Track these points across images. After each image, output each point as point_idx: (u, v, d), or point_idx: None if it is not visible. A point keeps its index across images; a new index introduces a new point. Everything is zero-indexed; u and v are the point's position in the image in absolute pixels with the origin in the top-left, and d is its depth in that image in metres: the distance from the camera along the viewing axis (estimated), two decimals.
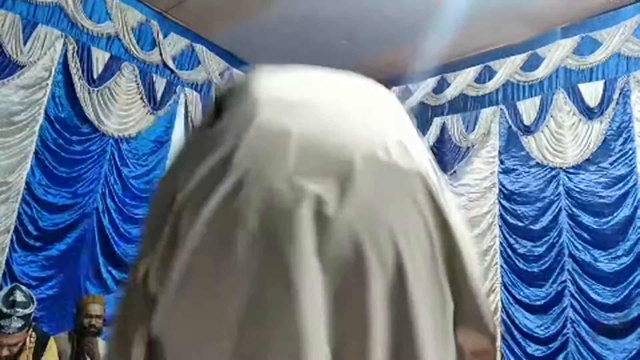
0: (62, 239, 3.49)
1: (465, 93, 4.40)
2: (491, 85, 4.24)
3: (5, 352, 2.24)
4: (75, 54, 3.62)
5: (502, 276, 3.87)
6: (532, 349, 3.57)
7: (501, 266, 3.87)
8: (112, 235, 3.74)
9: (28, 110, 3.37)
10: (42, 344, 2.43)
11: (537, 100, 3.97)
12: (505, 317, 3.77)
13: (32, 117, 3.39)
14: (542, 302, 3.61)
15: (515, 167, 3.99)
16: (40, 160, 3.43)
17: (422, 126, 4.59)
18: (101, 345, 3.14)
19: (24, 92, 3.36)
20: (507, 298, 3.81)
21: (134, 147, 3.99)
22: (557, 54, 3.91)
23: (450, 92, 4.44)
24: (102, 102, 3.82)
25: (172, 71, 4.27)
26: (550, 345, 3.49)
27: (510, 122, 4.09)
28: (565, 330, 3.47)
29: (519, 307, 3.73)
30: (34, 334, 2.41)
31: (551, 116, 3.85)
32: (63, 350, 2.64)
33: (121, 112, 3.93)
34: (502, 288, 3.84)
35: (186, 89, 4.38)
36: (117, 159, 3.88)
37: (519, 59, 4.13)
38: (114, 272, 3.69)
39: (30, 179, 3.36)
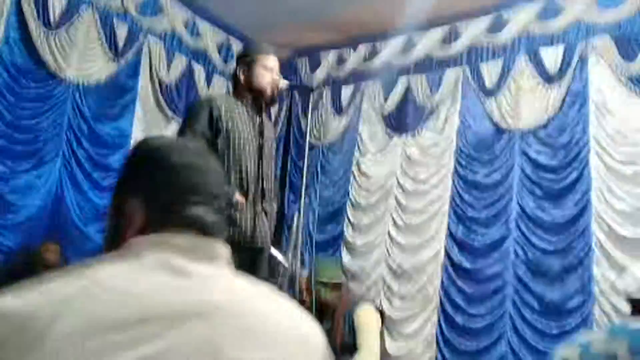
0: (24, 183, 3.35)
1: (431, 54, 4.35)
2: (456, 46, 4.20)
3: None
4: None
5: (448, 223, 4.00)
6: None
7: (449, 214, 4.00)
8: (76, 182, 3.61)
9: None
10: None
11: (499, 62, 3.98)
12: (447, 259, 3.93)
13: None
14: (487, 243, 3.76)
15: (474, 128, 4.03)
16: None
17: (388, 86, 4.55)
18: None
19: None
20: (452, 243, 3.95)
21: (96, 94, 3.80)
22: (521, 18, 3.90)
23: (416, 53, 4.39)
24: (60, 47, 3.60)
25: (133, 18, 4.04)
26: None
27: (473, 84, 4.09)
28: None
29: (463, 250, 3.88)
30: None
31: (512, 79, 3.87)
32: None
33: (81, 58, 3.72)
34: (448, 233, 3.98)
35: (150, 37, 4.17)
36: (80, 105, 3.70)
37: (484, 21, 4.09)
38: (76, 220, 3.59)
39: None
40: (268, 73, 2.22)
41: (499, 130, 3.91)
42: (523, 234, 3.62)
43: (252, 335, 0.61)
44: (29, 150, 3.44)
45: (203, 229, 0.68)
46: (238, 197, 2.09)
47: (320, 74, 4.93)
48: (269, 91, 2.22)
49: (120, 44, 3.96)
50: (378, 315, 2.82)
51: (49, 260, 3.07)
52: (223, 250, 0.68)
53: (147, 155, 0.74)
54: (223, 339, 0.59)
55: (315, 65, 5.02)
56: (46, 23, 3.50)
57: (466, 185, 3.98)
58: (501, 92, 3.92)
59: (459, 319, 3.79)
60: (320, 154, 4.76)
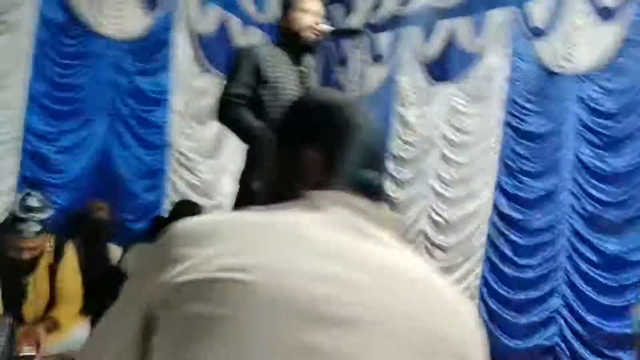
0: (71, 143, 3.37)
1: None
2: None
3: (26, 255, 2.22)
4: None
5: (497, 175, 3.89)
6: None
7: (499, 166, 3.88)
8: (124, 141, 3.61)
9: (20, 9, 3.09)
10: (60, 248, 2.41)
11: (550, 0, 3.73)
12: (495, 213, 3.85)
13: (23, 16, 3.12)
14: (540, 195, 3.64)
15: (525, 73, 3.84)
16: (38, 62, 3.20)
17: (427, 31, 4.34)
18: (113, 249, 3.16)
19: None
20: (500, 195, 3.85)
21: (133, 49, 3.74)
22: None
23: None
24: (94, 1, 3.52)
25: None
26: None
27: (521, 25, 3.86)
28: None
29: (513, 202, 3.78)
30: (51, 238, 2.37)
31: (566, 18, 3.63)
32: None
33: (116, 12, 3.63)
34: (497, 185, 3.88)
35: None
36: (118, 61, 3.65)
37: None
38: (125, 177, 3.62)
39: (31, 84, 3.15)
40: (307, 16, 2.11)
41: (551, 75, 3.71)
42: (579, 185, 3.49)
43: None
44: (72, 108, 3.44)
45: (375, 193, 0.67)
46: None
47: (355, 20, 4.73)
48: (307, 35, 2.11)
49: None
50: None
51: (101, 219, 3.12)
52: (389, 214, 0.67)
53: (329, 109, 0.71)
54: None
55: (349, 11, 4.82)
56: None
57: (517, 135, 3.83)
58: (553, 32, 3.68)
59: (506, 270, 3.75)
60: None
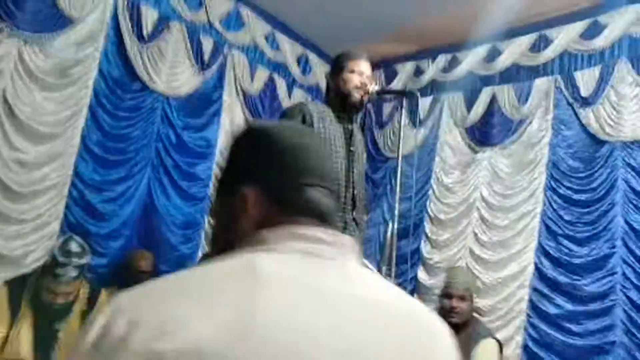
0: (116, 193, 3.46)
1: (518, 62, 4.14)
2: (547, 54, 3.97)
3: (60, 300, 2.23)
4: (125, 9, 3.52)
5: (539, 240, 3.77)
6: None
7: (540, 231, 3.77)
8: (165, 192, 3.71)
9: (82, 64, 3.30)
10: (94, 296, 2.41)
11: (596, 70, 3.70)
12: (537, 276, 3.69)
13: (85, 72, 3.33)
14: (587, 261, 3.50)
15: (569, 140, 3.76)
16: (94, 114, 3.38)
17: (471, 97, 4.37)
18: None
19: (77, 46, 3.28)
20: (543, 259, 3.71)
21: (183, 106, 3.91)
22: (620, 21, 3.62)
23: (502, 62, 4.19)
24: (151, 59, 3.73)
25: (218, 32, 4.14)
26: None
27: (566, 93, 3.83)
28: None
29: (557, 266, 3.64)
30: (86, 284, 2.39)
31: (612, 87, 3.59)
32: None
33: (170, 71, 3.84)
34: (539, 249, 3.75)
35: (233, 50, 4.26)
36: (169, 116, 3.81)
37: (578, 26, 3.84)
38: (164, 228, 3.67)
39: (85, 133, 3.31)
40: (356, 77, 2.18)
41: (597, 142, 3.62)
42: (631, 252, 3.30)
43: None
44: (121, 159, 3.56)
45: (321, 216, 0.62)
46: None
47: (396, 86, 4.83)
48: (356, 95, 2.16)
49: (206, 56, 4.05)
50: (498, 352, 2.45)
51: (144, 268, 3.13)
52: (347, 239, 0.62)
53: (258, 140, 0.67)
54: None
55: (391, 77, 4.93)
56: (139, 37, 3.63)
57: (561, 200, 3.70)
58: (599, 101, 3.63)
59: (553, 338, 3.50)
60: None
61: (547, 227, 3.75)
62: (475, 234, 4.11)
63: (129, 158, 3.57)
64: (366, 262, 2.29)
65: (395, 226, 2.14)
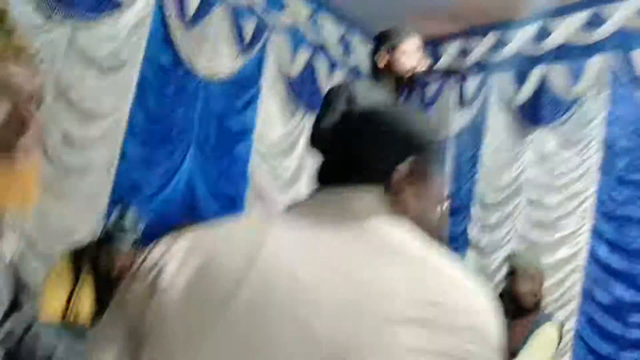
0: (160, 172, 3.63)
1: (571, 41, 4.04)
2: (601, 32, 3.86)
3: (117, 270, 2.36)
4: None
5: (594, 221, 3.73)
6: None
7: (596, 212, 3.74)
8: (206, 171, 3.88)
9: (130, 48, 3.45)
10: None
11: None
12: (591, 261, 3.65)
13: (133, 55, 3.48)
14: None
15: (625, 119, 3.67)
16: (140, 97, 3.53)
17: (520, 77, 4.31)
18: None
19: (124, 29, 3.43)
20: (598, 242, 3.67)
21: (224, 89, 4.02)
22: None
23: (552, 40, 4.10)
24: (194, 43, 3.84)
25: (260, 13, 4.22)
26: None
27: (622, 72, 3.73)
28: None
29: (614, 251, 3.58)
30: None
31: None
32: None
33: (212, 54, 3.94)
34: (594, 232, 3.72)
35: (274, 32, 4.33)
36: (209, 99, 3.93)
37: (635, 3, 3.71)
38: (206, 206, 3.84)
39: (132, 114, 3.48)
40: (411, 57, 2.19)
41: None
42: None
43: None
44: (164, 139, 3.71)
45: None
46: None
47: (441, 66, 4.79)
48: (409, 74, 2.18)
49: (248, 39, 4.14)
50: (557, 339, 2.43)
51: None
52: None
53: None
54: None
55: (435, 57, 4.89)
56: (183, 20, 3.75)
57: (617, 181, 3.64)
58: None
59: (608, 326, 3.45)
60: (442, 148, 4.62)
61: (602, 209, 3.70)
62: (524, 216, 4.08)
63: (172, 139, 3.72)
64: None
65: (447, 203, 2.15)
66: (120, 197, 3.40)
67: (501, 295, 2.48)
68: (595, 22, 3.91)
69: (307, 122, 4.38)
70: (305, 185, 4.21)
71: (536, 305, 2.45)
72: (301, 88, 4.48)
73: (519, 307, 2.41)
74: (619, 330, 3.43)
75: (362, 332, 0.52)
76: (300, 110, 4.45)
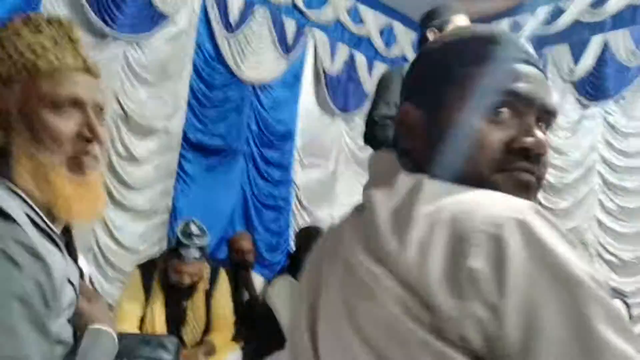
0: (215, 181, 3.72)
1: (632, 2, 3.81)
2: None
3: (187, 280, 2.44)
4: (214, 1, 3.71)
5: None
6: None
7: None
8: (254, 177, 3.96)
9: (178, 59, 3.55)
10: (215, 275, 2.60)
11: None
12: None
13: (182, 66, 3.58)
14: None
15: None
16: (192, 108, 3.63)
17: (578, 47, 4.11)
18: (255, 277, 3.34)
19: (172, 42, 3.53)
20: None
21: (269, 93, 4.07)
22: None
23: (612, 4, 3.89)
24: (239, 48, 3.90)
25: (301, 12, 4.23)
26: None
27: None
28: None
29: None
30: (207, 265, 2.58)
31: None
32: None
33: (256, 58, 4.00)
34: None
35: (315, 30, 4.33)
36: (255, 104, 4.00)
37: None
38: (257, 210, 3.94)
39: (186, 127, 3.59)
40: None
41: None
42: None
43: None
44: (217, 149, 3.80)
45: None
46: None
47: None
48: None
49: (289, 39, 4.17)
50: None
51: (246, 247, 3.33)
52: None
53: None
54: None
55: None
56: (227, 26, 3.82)
57: None
58: None
59: None
60: None
61: None
62: (601, 201, 3.87)
63: (224, 148, 3.81)
64: None
65: None
66: (180, 209, 3.51)
67: None
68: None
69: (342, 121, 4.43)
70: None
71: None
72: (340, 85, 4.49)
73: None
74: None
75: None
76: (338, 109, 4.47)
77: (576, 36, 4.13)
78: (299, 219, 4.11)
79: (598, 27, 4.01)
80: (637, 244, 3.67)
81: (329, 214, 4.28)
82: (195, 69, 3.68)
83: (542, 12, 4.31)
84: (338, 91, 4.49)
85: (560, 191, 4.11)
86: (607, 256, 3.80)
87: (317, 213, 4.25)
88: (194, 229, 2.47)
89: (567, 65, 4.19)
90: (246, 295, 3.16)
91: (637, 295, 3.57)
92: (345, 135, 4.55)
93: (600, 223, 3.87)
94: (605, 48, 3.96)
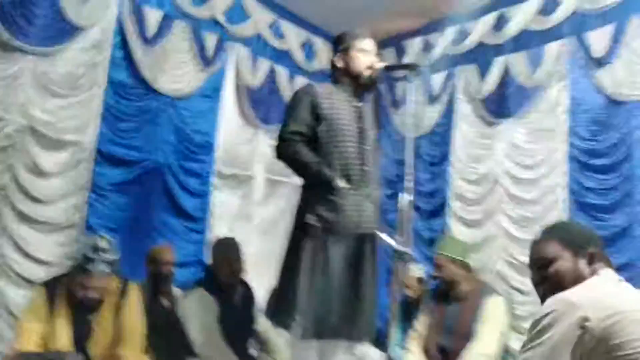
0: (131, 192, 3.75)
1: (528, 28, 4.24)
2: (557, 16, 4.06)
3: (93, 295, 2.47)
4: (131, 13, 3.76)
5: (569, 211, 3.89)
6: None
7: (569, 202, 3.91)
8: (174, 188, 4.06)
9: (90, 73, 3.57)
10: (125, 289, 2.64)
11: (608, 29, 3.78)
12: None
13: (94, 80, 3.60)
14: (615, 231, 3.61)
15: (587, 104, 3.86)
16: (107, 121, 3.66)
17: (483, 68, 4.49)
18: (174, 290, 3.40)
19: (86, 55, 3.54)
20: None
21: (188, 105, 4.16)
22: None
23: (511, 28, 4.29)
24: (156, 62, 3.97)
25: (221, 26, 4.35)
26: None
27: (579, 56, 3.92)
28: None
29: None
30: (117, 279, 2.62)
31: (625, 45, 3.67)
32: (142, 295, 2.87)
33: (174, 71, 4.08)
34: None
35: (236, 44, 4.46)
36: (173, 117, 4.07)
37: None
38: (177, 222, 4.02)
39: (100, 139, 3.60)
40: (365, 56, 2.33)
41: (615, 103, 3.71)
42: None
43: None
44: (133, 162, 3.84)
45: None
46: (341, 182, 2.21)
47: (399, 63, 4.96)
48: (367, 74, 2.32)
49: (210, 53, 4.28)
50: (508, 310, 2.80)
51: (165, 259, 3.36)
52: None
53: None
54: None
55: (401, 54, 5.07)
56: (145, 39, 3.87)
57: (585, 168, 3.84)
58: (613, 61, 3.72)
59: None
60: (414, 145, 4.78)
61: (576, 200, 3.87)
62: (505, 211, 4.23)
63: (140, 160, 3.84)
64: (382, 234, 2.44)
65: (410, 198, 2.24)
66: (94, 223, 3.52)
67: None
68: (550, 7, 4.10)
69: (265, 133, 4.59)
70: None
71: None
72: (261, 99, 4.65)
73: (452, 290, 2.84)
74: None
75: None
76: (260, 122, 4.63)
77: (482, 57, 4.52)
78: (217, 231, 4.19)
79: (500, 50, 4.41)
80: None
81: (247, 226, 4.42)
82: (110, 82, 3.71)
83: (450, 32, 4.68)
84: (259, 104, 4.64)
85: (472, 202, 4.47)
86: (511, 260, 4.16)
87: (235, 225, 4.36)
88: (101, 243, 2.51)
89: (475, 85, 4.56)
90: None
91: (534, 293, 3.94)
92: (266, 147, 4.70)
93: (506, 231, 4.23)
94: (507, 69, 4.35)
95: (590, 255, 1.43)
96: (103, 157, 3.68)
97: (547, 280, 1.44)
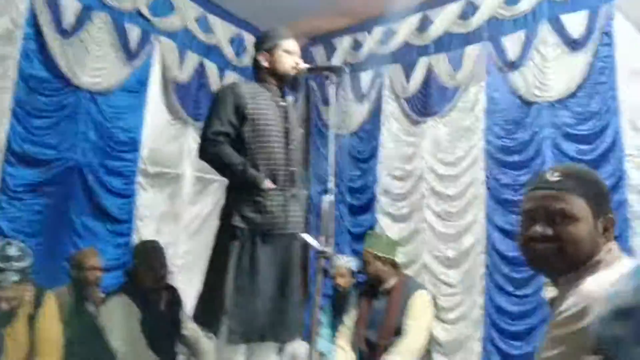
0: (47, 194, 3.55)
1: (450, 30, 4.41)
2: (476, 20, 4.25)
3: (4, 306, 2.33)
4: (43, 3, 3.54)
5: (486, 206, 4.09)
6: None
7: (489, 198, 4.11)
8: (95, 188, 3.86)
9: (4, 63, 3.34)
10: (40, 298, 2.51)
11: (521, 34, 4.02)
12: (489, 245, 4.05)
13: (3, 74, 3.36)
14: None
15: (502, 104, 4.09)
16: (18, 117, 3.43)
17: (408, 68, 4.63)
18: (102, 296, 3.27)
19: None
20: (491, 226, 4.06)
21: (110, 100, 3.98)
22: None
23: (434, 30, 4.46)
24: (74, 54, 3.77)
25: (146, 19, 4.20)
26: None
27: (496, 58, 4.14)
28: None
29: (502, 234, 3.97)
30: (31, 288, 2.48)
31: (536, 50, 3.92)
32: (64, 302, 2.74)
33: (95, 65, 3.90)
34: (486, 217, 4.10)
35: (162, 37, 4.33)
36: (94, 113, 3.88)
37: None
38: (99, 223, 3.85)
39: (10, 137, 3.37)
40: (290, 56, 2.35)
41: (527, 104, 3.96)
42: None
43: None
44: (47, 160, 3.62)
45: None
46: (267, 183, 2.21)
47: (336, 60, 5.03)
48: (292, 74, 2.33)
49: (133, 46, 4.12)
50: (432, 303, 2.94)
51: (90, 264, 3.20)
52: None
53: None
54: None
55: (330, 52, 5.13)
56: (60, 31, 3.67)
57: (500, 164, 4.06)
58: (525, 64, 3.96)
59: (505, 304, 3.87)
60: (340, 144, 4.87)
61: (493, 195, 4.09)
62: (430, 206, 4.39)
63: (57, 158, 3.65)
64: (306, 236, 2.47)
65: (331, 198, 2.27)
66: (5, 227, 3.30)
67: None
68: (469, 11, 4.30)
69: (195, 129, 4.49)
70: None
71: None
72: (189, 93, 4.54)
73: (378, 286, 2.99)
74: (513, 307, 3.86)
75: None
76: (188, 117, 4.52)
77: (407, 57, 4.66)
78: (143, 232, 4.06)
79: (424, 50, 4.57)
80: (458, 242, 4.24)
81: (176, 226, 4.31)
82: (22, 76, 3.48)
83: (378, 32, 4.79)
84: (188, 99, 4.52)
85: (398, 197, 4.61)
86: (437, 253, 4.34)
87: (162, 226, 4.25)
88: (11, 250, 2.37)
89: (401, 84, 4.70)
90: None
91: (462, 284, 4.14)
92: (195, 144, 4.59)
93: (430, 225, 4.40)
94: (430, 69, 4.52)
95: (608, 222, 1.16)
96: (15, 156, 3.45)
97: (561, 239, 1.12)
